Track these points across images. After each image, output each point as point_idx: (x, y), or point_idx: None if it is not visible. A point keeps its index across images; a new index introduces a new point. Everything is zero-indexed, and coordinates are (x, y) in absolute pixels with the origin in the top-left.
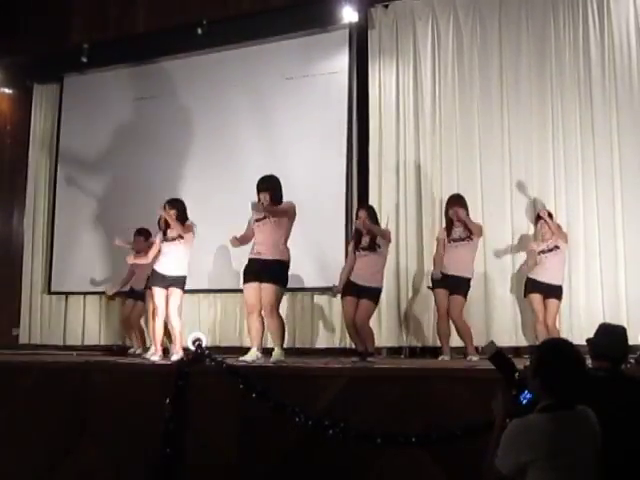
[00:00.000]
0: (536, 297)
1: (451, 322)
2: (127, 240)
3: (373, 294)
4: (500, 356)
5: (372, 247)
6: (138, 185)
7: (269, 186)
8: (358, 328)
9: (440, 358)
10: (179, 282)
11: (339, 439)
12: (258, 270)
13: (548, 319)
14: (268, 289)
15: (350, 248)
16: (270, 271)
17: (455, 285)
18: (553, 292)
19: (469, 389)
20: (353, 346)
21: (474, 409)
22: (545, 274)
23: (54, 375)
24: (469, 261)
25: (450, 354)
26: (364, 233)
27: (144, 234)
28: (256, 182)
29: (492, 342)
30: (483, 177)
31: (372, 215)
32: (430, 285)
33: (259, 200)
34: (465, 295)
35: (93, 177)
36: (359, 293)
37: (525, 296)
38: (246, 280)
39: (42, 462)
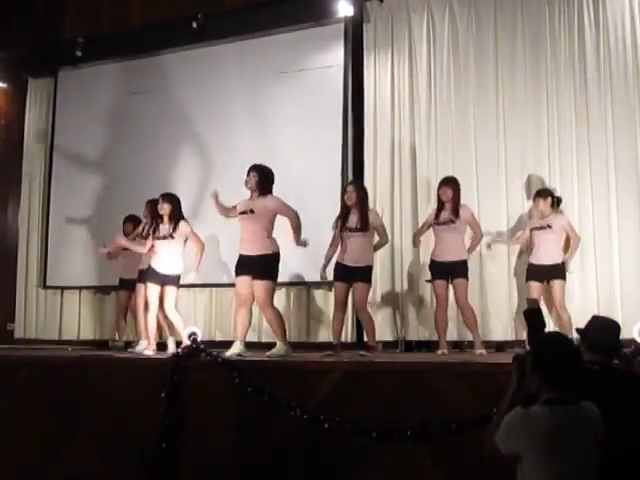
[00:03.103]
0: (533, 285)
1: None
2: (111, 247)
3: (366, 274)
4: (536, 314)
5: (362, 228)
6: (133, 179)
7: (258, 169)
8: (358, 313)
9: (440, 352)
10: (173, 280)
11: (334, 433)
12: (248, 266)
13: (555, 302)
14: (259, 285)
15: (335, 227)
16: (259, 267)
17: (454, 269)
18: (554, 273)
19: (465, 383)
20: (349, 340)
21: (470, 403)
22: (541, 256)
23: (49, 370)
24: (460, 243)
25: (448, 348)
26: (352, 211)
27: (133, 221)
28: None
29: (536, 300)
30: (478, 170)
31: (360, 189)
32: (429, 278)
33: (247, 182)
34: (467, 277)
35: (88, 171)
36: (352, 275)
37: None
38: (237, 274)
39: (37, 457)
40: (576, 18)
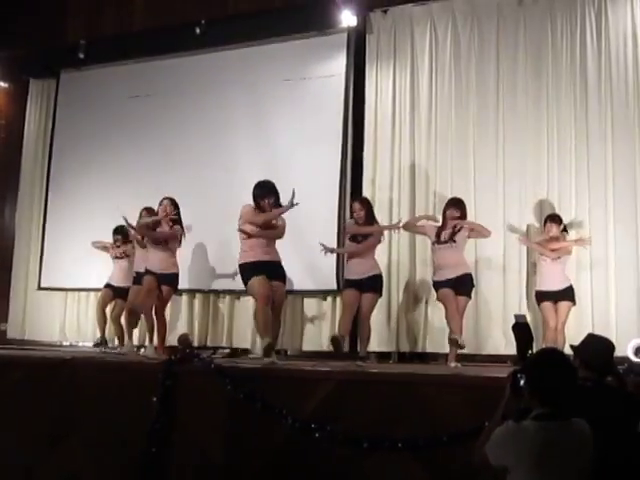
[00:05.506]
0: (548, 305)
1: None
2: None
3: (377, 285)
4: (524, 329)
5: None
6: (131, 182)
7: (274, 190)
8: (362, 322)
9: (454, 365)
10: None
11: (326, 442)
12: (273, 269)
13: (558, 322)
14: (282, 288)
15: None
16: (282, 273)
17: (458, 283)
18: (564, 295)
19: (457, 395)
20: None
21: (461, 415)
22: (551, 283)
23: (42, 371)
24: (462, 258)
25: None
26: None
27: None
28: (255, 186)
29: (524, 315)
30: (477, 183)
31: (366, 206)
32: (434, 298)
33: (261, 204)
34: (470, 294)
35: (86, 173)
36: (361, 286)
37: (538, 306)
38: (261, 274)
39: (28, 458)
40: (578, 32)
